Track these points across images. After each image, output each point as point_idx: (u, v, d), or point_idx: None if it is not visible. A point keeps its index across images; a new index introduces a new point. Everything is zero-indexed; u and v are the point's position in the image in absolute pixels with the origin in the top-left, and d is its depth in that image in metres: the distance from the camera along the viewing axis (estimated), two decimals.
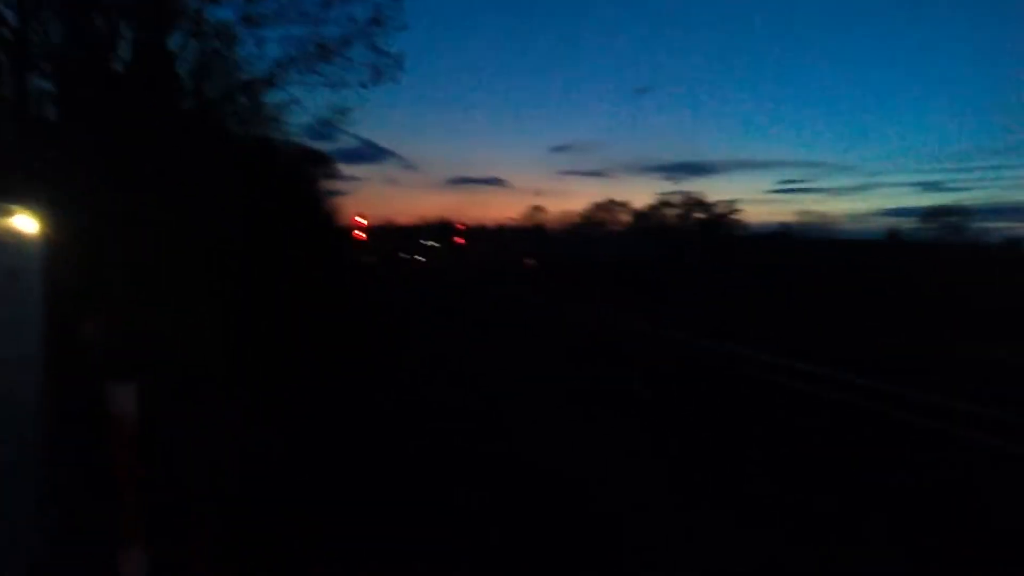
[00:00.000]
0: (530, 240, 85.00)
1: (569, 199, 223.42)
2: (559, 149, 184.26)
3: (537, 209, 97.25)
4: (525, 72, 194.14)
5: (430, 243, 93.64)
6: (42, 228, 5.24)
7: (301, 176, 31.71)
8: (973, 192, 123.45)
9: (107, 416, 5.56)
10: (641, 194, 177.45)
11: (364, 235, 62.02)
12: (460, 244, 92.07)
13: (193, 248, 15.33)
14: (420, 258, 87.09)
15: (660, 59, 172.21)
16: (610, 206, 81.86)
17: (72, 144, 10.86)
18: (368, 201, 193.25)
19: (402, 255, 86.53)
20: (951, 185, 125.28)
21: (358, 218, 58.03)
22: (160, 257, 14.01)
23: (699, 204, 70.71)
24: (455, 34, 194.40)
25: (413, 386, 13.19)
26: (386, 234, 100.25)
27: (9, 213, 5.00)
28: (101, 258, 9.75)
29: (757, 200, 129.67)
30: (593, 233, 79.65)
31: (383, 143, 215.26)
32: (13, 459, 4.99)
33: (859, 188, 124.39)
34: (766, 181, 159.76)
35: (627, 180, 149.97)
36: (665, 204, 73.81)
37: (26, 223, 5.07)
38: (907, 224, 65.93)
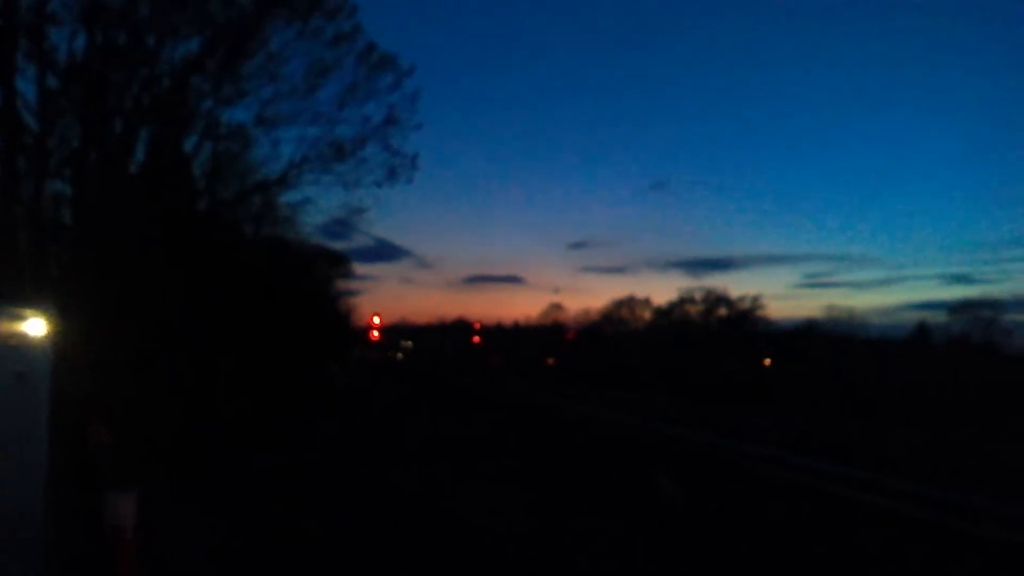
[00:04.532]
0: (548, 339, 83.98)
1: (588, 296, 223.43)
2: (577, 246, 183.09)
3: (555, 307, 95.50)
4: (540, 169, 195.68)
5: (408, 343, 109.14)
6: (51, 331, 5.06)
7: (314, 276, 31.79)
8: (1003, 284, 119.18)
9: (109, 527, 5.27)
10: (662, 291, 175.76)
11: (377, 335, 62.07)
12: (477, 344, 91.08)
13: (202, 349, 15.13)
14: (400, 355, 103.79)
15: (676, 153, 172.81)
16: (630, 303, 79.92)
17: (85, 247, 10.79)
18: (385, 300, 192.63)
19: (389, 354, 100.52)
20: (980, 277, 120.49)
21: (373, 319, 58.11)
22: (168, 359, 13.80)
23: (722, 300, 68.54)
24: (469, 131, 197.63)
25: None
26: (399, 334, 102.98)
27: (19, 317, 4.82)
28: (109, 361, 9.53)
29: (782, 295, 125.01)
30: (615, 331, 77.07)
31: (398, 242, 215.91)
32: (15, 571, 4.66)
33: (885, 281, 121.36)
34: (791, 275, 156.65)
35: (647, 277, 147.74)
36: (687, 300, 71.77)
37: (35, 326, 4.89)
38: (935, 318, 62.62)
